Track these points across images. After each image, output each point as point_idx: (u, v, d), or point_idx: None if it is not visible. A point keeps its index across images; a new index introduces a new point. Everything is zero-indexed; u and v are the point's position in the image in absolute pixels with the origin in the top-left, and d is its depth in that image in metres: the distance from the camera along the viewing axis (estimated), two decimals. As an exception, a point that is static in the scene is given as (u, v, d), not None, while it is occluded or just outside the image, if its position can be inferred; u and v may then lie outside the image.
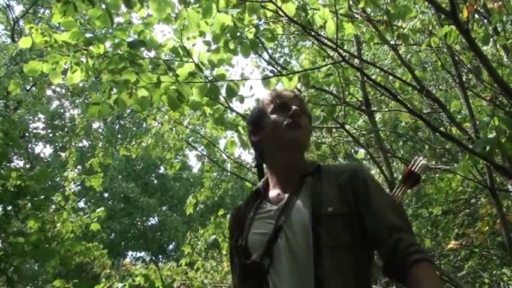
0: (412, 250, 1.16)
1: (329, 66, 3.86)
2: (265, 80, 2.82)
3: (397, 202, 1.52)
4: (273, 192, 1.37)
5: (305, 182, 1.33)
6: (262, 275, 1.23)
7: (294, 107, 1.38)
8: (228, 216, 6.26)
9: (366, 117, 4.62)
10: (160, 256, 16.43)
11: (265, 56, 5.70)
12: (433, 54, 4.40)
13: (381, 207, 1.26)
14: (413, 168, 1.58)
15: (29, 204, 3.40)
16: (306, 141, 1.41)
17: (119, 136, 14.53)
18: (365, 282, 1.24)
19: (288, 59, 8.54)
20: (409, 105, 2.93)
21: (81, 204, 14.06)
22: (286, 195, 1.32)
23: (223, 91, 2.74)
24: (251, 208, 1.37)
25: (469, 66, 4.10)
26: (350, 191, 1.28)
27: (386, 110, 4.32)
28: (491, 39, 3.58)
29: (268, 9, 2.90)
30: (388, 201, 1.31)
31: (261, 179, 1.48)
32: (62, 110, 14.10)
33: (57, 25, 8.24)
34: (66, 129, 13.36)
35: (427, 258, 1.16)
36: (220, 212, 6.29)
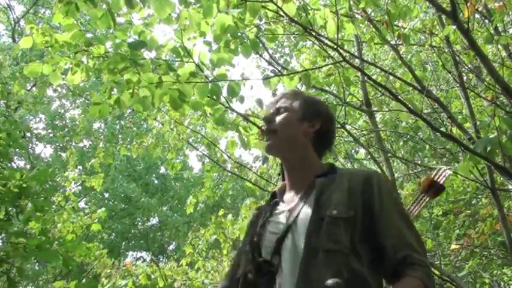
0: (413, 268, 1.15)
1: (329, 66, 3.86)
2: (266, 80, 2.82)
3: (414, 215, 1.46)
4: (288, 194, 1.41)
5: (316, 183, 1.33)
6: (273, 273, 1.25)
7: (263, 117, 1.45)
8: (229, 216, 6.29)
9: (367, 117, 4.61)
10: (161, 256, 16.43)
11: (266, 56, 5.68)
12: (434, 54, 4.40)
13: (394, 220, 1.23)
14: (436, 178, 1.45)
15: (30, 205, 3.40)
16: (279, 143, 1.41)
17: (120, 136, 14.52)
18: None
19: (289, 59, 8.53)
20: (409, 105, 2.92)
21: (82, 204, 14.05)
22: (299, 196, 1.34)
23: (224, 91, 2.74)
24: (269, 208, 1.42)
25: (469, 66, 4.10)
26: (359, 196, 1.26)
27: (387, 110, 4.32)
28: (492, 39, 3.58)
29: (268, 9, 2.90)
30: (403, 216, 1.27)
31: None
32: (62, 110, 14.10)
33: (58, 25, 8.24)
34: (66, 129, 13.35)
35: (418, 277, 1.13)
36: (221, 212, 6.28)
